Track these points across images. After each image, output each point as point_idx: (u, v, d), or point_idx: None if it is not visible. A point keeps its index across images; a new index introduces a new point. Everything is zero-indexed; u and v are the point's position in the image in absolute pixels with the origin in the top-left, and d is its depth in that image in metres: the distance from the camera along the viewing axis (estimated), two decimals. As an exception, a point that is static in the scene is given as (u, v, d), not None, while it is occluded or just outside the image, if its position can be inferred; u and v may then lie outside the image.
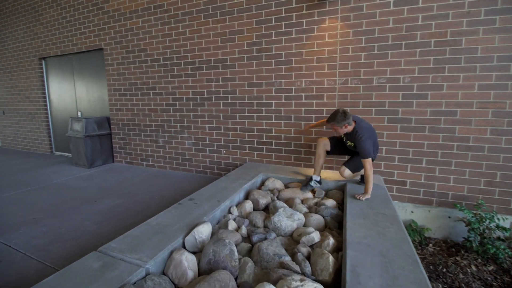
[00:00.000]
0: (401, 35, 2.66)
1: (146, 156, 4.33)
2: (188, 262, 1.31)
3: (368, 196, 2.07)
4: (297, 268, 1.34)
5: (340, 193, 2.43)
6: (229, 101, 3.55)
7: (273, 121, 3.33)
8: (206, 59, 3.63)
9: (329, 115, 2.29)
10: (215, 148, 3.73)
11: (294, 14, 3.07)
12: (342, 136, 2.38)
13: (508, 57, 2.36)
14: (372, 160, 2.23)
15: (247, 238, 1.74)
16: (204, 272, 1.34)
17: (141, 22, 4.02)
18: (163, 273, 1.36)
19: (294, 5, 3.05)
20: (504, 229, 2.30)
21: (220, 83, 3.58)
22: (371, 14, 2.74)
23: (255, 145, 3.47)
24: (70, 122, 4.35)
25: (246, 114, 3.46)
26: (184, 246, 1.54)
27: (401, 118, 2.74)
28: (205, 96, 3.70)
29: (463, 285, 1.97)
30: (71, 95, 5.15)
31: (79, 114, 5.04)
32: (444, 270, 2.15)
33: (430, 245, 2.53)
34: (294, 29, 3.12)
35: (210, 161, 3.79)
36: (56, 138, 5.58)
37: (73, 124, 4.28)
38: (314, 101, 3.10)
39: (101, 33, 4.40)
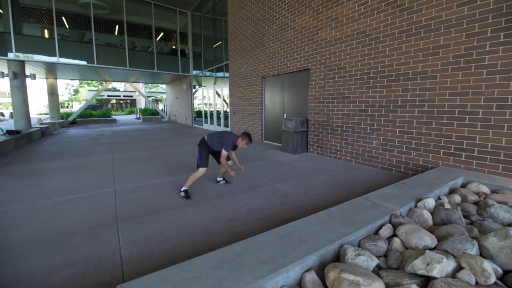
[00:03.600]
0: None
1: (334, 150, 5.56)
2: (427, 215, 2.11)
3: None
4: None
5: None
6: (425, 108, 3.97)
7: (478, 129, 3.43)
8: (403, 72, 4.22)
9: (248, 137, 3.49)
10: (404, 150, 4.27)
11: (522, 23, 3.04)
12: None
13: None
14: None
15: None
16: (437, 224, 2.09)
17: (343, 46, 5.20)
18: (404, 219, 2.25)
19: (523, 15, 3.03)
20: None
21: (417, 92, 4.06)
22: None
23: (452, 151, 3.70)
24: (283, 121, 6.35)
25: (445, 121, 3.74)
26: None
27: None
28: (399, 104, 4.31)
29: None
30: (280, 102, 7.34)
31: (284, 115, 7.11)
32: None
33: None
34: (518, 37, 3.08)
35: (397, 160, 4.38)
36: (266, 131, 8.11)
37: (286, 122, 6.23)
38: (542, 111, 2.94)
39: (309, 58, 6.03)
